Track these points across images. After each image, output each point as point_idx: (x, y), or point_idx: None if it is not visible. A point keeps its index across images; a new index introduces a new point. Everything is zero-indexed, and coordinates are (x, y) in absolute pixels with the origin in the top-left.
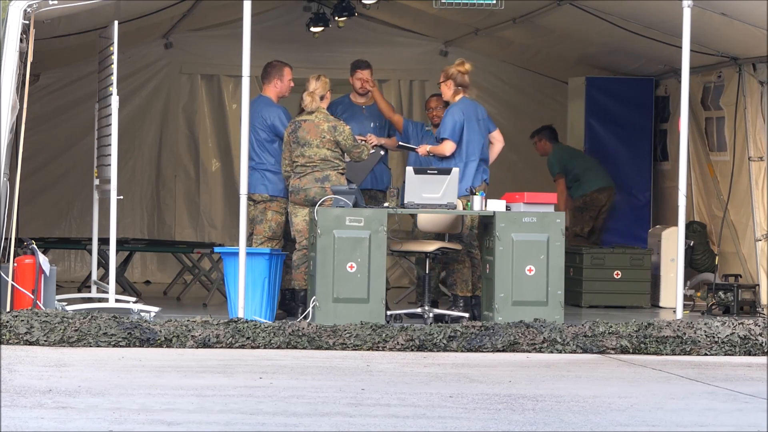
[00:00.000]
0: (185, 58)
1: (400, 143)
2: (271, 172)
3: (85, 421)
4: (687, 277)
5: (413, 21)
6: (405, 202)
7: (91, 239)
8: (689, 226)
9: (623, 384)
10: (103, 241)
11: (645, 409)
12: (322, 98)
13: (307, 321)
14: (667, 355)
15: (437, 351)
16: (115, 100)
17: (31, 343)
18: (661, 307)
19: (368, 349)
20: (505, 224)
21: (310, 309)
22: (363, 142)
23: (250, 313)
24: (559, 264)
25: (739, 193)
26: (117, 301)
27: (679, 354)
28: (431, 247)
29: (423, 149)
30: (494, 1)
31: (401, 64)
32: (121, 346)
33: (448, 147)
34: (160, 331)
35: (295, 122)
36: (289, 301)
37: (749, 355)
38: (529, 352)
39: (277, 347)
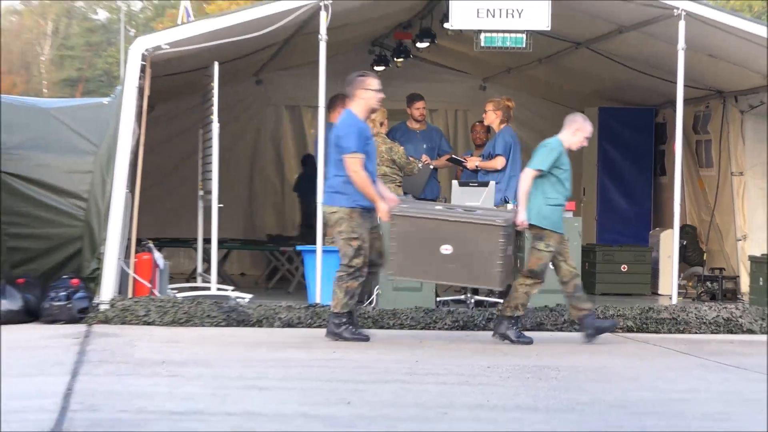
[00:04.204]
0: (272, 92)
1: (453, 156)
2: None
3: (192, 387)
4: (681, 270)
5: (457, 61)
6: None
7: (196, 239)
8: (683, 228)
9: (629, 357)
10: (206, 241)
11: (648, 377)
12: (381, 124)
13: (372, 306)
14: (664, 333)
15: (477, 330)
16: (215, 127)
17: (148, 324)
18: (659, 294)
19: (421, 329)
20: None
21: (374, 296)
22: (413, 159)
23: (326, 299)
24: (576, 259)
25: (723, 202)
26: (218, 289)
27: (674, 332)
28: None
29: (472, 163)
30: (523, 45)
31: (447, 97)
32: (221, 326)
33: (500, 162)
34: (253, 314)
35: None
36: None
37: (731, 333)
38: (553, 331)
39: None
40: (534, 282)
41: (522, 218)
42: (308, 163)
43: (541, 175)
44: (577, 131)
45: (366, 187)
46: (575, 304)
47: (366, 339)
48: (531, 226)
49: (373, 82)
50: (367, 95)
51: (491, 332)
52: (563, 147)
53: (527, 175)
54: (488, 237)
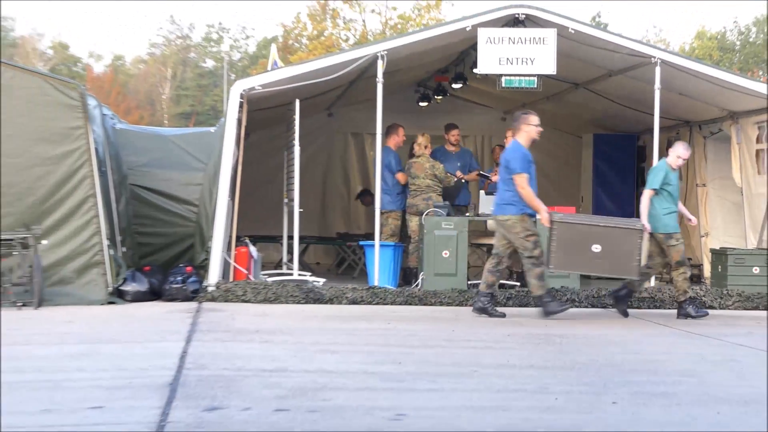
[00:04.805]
0: (341, 123)
1: (480, 172)
2: (388, 195)
3: (279, 350)
4: None
5: (483, 98)
6: (479, 212)
7: (282, 236)
8: None
9: (618, 327)
10: (290, 237)
11: (632, 343)
12: (426, 147)
13: (418, 288)
14: (645, 309)
15: (500, 306)
16: (297, 149)
17: (245, 301)
18: None
19: (457, 306)
20: (541, 226)
21: (420, 280)
22: (450, 175)
23: (382, 283)
24: None
25: (690, 207)
26: (299, 275)
27: (652, 308)
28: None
29: (495, 177)
30: (535, 86)
31: (475, 125)
32: (301, 304)
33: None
34: (326, 294)
35: (409, 163)
36: (408, 276)
37: None
38: None
39: (399, 304)
40: (684, 268)
41: (646, 226)
42: (365, 194)
43: (656, 193)
44: (671, 151)
45: (531, 199)
46: (636, 286)
47: (502, 316)
48: (658, 234)
49: (534, 119)
50: (529, 129)
51: (677, 316)
52: (668, 167)
53: (646, 195)
54: (629, 238)
